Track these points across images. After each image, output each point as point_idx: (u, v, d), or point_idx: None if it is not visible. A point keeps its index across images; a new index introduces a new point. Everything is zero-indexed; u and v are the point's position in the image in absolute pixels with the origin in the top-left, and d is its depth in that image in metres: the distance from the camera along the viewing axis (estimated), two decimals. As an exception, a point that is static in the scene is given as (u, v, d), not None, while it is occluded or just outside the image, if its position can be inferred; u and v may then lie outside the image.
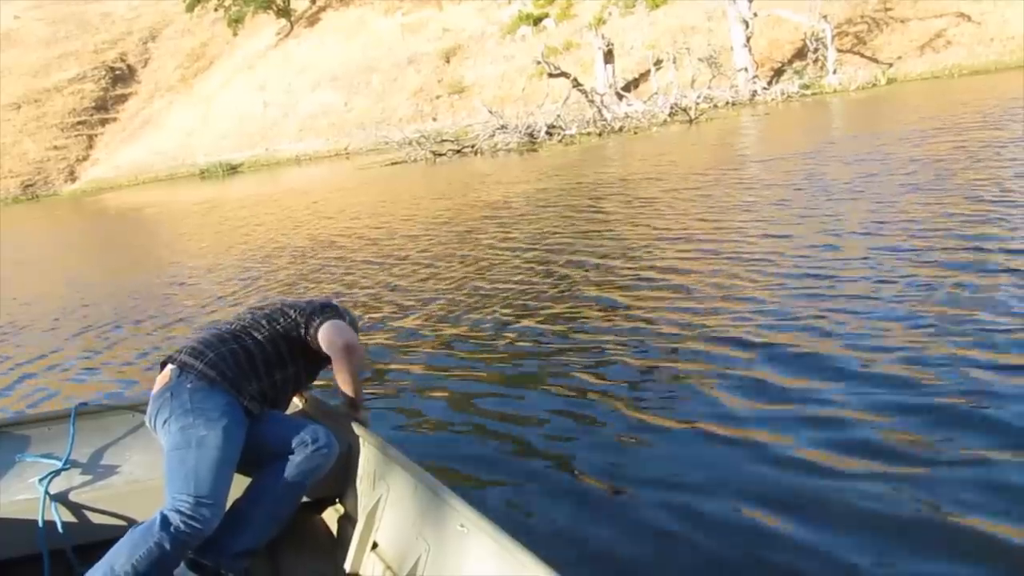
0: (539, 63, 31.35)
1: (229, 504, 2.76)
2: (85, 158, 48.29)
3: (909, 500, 3.15)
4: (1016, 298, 5.12)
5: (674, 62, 31.32)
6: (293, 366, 3.13)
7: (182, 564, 2.67)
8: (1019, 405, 3.73)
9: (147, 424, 2.94)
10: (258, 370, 3.00)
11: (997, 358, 4.26)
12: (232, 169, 40.00)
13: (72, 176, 47.22)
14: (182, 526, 2.57)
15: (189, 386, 2.85)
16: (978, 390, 3.94)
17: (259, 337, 3.06)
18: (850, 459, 3.50)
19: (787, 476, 3.43)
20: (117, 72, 53.44)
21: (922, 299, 5.32)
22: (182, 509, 2.59)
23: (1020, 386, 3.93)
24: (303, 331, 3.12)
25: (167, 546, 2.54)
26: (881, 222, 7.75)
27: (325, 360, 3.16)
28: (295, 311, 3.17)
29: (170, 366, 2.95)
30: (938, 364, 4.29)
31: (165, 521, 2.57)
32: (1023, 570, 2.73)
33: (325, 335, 3.08)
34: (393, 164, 26.77)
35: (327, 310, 3.20)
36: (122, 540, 2.55)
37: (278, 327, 3.11)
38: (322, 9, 52.39)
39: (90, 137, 49.50)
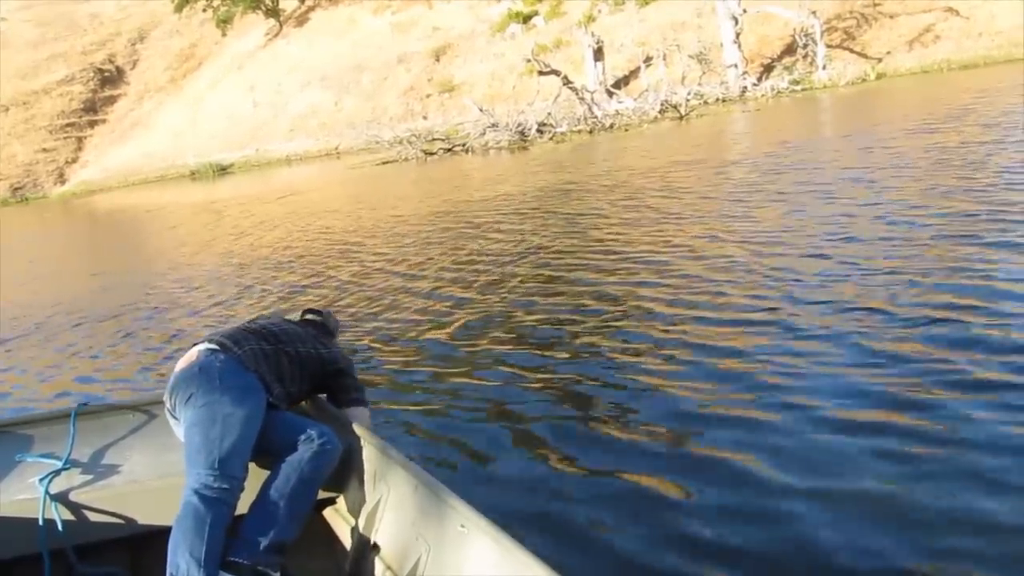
0: (529, 61, 31.35)
1: (247, 503, 2.79)
2: (74, 160, 48.11)
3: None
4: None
5: (664, 59, 31.34)
6: (308, 389, 3.37)
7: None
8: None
9: (166, 400, 2.98)
10: (283, 378, 3.15)
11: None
12: (222, 170, 39.86)
13: (61, 178, 47.04)
14: (218, 498, 2.64)
15: (219, 365, 2.94)
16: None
17: (292, 353, 3.25)
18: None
19: (783, 477, 3.45)
20: (106, 74, 53.24)
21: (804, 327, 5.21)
22: (210, 484, 2.66)
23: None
24: (330, 373, 3.40)
25: (223, 519, 2.63)
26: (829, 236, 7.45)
27: (332, 389, 3.44)
28: (328, 352, 3.43)
29: (201, 346, 3.05)
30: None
31: (205, 499, 2.63)
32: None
33: (359, 415, 3.30)
34: (384, 163, 26.72)
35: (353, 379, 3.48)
36: (179, 532, 2.57)
37: (313, 353, 3.34)
38: (311, 8, 52.28)
39: (79, 139, 49.31)
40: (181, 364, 3.04)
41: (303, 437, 2.88)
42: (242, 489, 2.74)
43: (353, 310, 7.43)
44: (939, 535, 2.92)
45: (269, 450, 2.89)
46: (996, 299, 5.03)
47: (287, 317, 3.65)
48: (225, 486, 2.67)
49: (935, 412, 3.78)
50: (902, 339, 4.64)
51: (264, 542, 2.70)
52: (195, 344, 3.12)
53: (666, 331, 5.44)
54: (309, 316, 3.69)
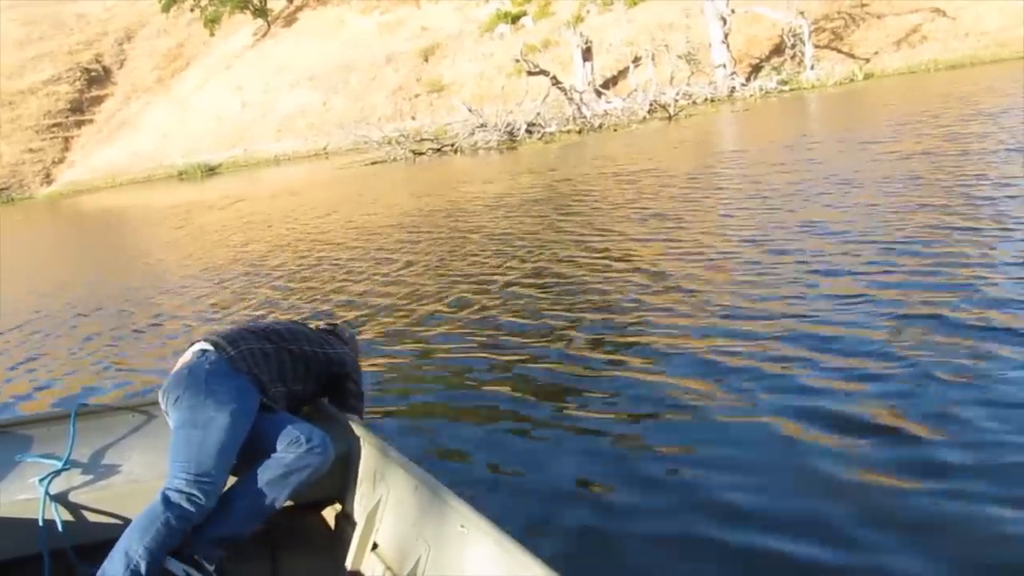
0: (518, 61, 31.36)
1: None
2: (61, 160, 47.81)
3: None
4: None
5: (652, 59, 31.38)
6: (313, 389, 3.35)
7: None
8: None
9: (160, 401, 3.00)
10: (285, 377, 3.15)
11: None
12: (210, 170, 39.72)
13: (48, 179, 46.75)
14: (184, 503, 2.66)
15: (208, 367, 2.94)
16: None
17: (296, 351, 3.23)
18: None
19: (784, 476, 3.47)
20: (93, 73, 52.95)
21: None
22: (181, 488, 2.69)
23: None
24: (336, 375, 3.39)
25: (174, 523, 2.63)
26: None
27: (334, 393, 3.44)
28: (336, 353, 3.39)
29: (197, 345, 3.06)
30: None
31: (167, 500, 2.66)
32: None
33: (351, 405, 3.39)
34: (373, 163, 26.69)
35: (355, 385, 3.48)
36: (132, 525, 2.62)
37: (319, 352, 3.31)
38: (299, 9, 52.14)
39: (66, 139, 49.00)
40: (177, 365, 3.07)
41: (291, 440, 2.88)
42: (216, 496, 2.75)
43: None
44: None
45: (259, 450, 2.90)
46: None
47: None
48: (195, 491, 2.69)
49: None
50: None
51: (212, 534, 2.74)
52: (192, 344, 3.14)
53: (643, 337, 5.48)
54: (322, 326, 3.70)
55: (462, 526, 2.34)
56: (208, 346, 3.05)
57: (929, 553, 2.85)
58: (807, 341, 4.85)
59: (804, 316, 5.32)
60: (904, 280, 5.76)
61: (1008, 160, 9.54)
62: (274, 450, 2.89)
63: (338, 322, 3.84)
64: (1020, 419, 3.62)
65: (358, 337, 4.01)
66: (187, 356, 3.06)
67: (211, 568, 2.72)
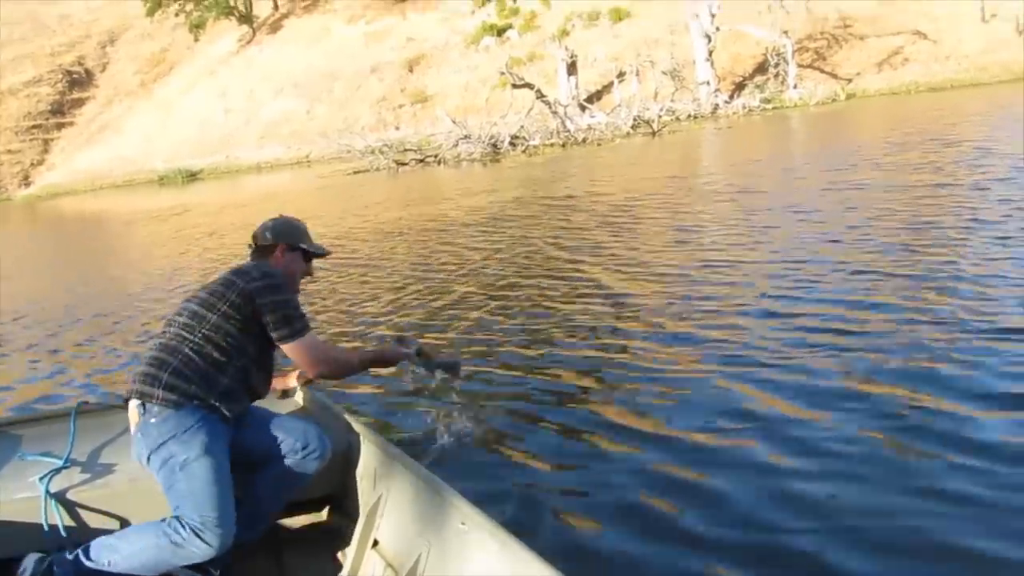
0: (503, 74, 31.46)
1: None
2: (41, 163, 47.50)
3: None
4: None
5: (637, 75, 31.63)
6: (252, 347, 2.96)
7: None
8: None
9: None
10: (218, 364, 2.85)
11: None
12: (191, 176, 39.53)
13: (26, 180, 46.44)
14: (191, 540, 2.60)
15: (153, 420, 2.75)
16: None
17: (205, 331, 2.87)
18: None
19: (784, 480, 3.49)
20: (74, 76, 52.66)
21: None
22: (193, 527, 2.61)
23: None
24: (256, 321, 2.94)
25: (166, 555, 2.61)
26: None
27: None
28: (235, 294, 2.93)
29: (132, 402, 2.83)
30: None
31: (176, 529, 2.61)
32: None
33: (299, 364, 3.07)
34: (356, 173, 26.62)
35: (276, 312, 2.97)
36: (135, 529, 2.63)
37: (218, 313, 2.89)
38: (285, 16, 52.16)
39: (46, 141, 48.70)
40: (130, 426, 2.87)
41: (284, 447, 2.87)
42: (231, 532, 2.66)
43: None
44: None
45: (256, 460, 2.88)
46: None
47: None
48: (202, 538, 2.60)
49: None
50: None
51: None
52: (127, 398, 2.89)
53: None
54: (251, 245, 3.30)
55: (462, 523, 2.35)
56: (138, 400, 2.81)
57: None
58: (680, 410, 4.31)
59: (683, 379, 4.74)
60: (796, 339, 5.11)
61: (938, 199, 9.18)
62: (269, 459, 2.87)
63: (277, 218, 3.34)
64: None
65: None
66: (133, 415, 2.84)
67: (216, 573, 2.71)
